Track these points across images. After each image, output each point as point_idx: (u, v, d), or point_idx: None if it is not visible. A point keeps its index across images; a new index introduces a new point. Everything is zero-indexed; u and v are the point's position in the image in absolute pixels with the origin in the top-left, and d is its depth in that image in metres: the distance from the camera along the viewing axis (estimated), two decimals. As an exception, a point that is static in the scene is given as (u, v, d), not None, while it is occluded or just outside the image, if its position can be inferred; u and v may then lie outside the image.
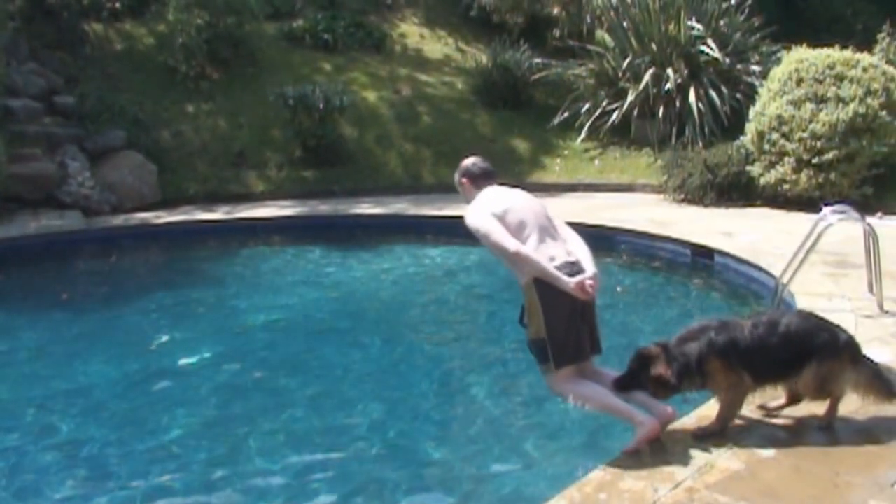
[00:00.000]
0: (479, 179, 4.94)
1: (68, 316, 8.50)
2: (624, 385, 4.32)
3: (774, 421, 4.43)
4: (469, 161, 5.00)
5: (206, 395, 6.21)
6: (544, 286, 4.33)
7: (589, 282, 4.35)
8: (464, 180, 4.94)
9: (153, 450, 5.28)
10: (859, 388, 4.30)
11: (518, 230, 4.48)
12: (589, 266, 4.45)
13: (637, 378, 4.25)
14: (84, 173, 12.62)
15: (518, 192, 4.84)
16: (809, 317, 4.48)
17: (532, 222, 4.53)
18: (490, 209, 4.59)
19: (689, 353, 4.19)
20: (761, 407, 4.50)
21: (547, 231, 4.56)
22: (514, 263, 4.46)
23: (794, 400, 4.45)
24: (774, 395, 4.52)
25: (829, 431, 4.31)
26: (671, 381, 4.15)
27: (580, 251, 4.55)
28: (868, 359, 4.36)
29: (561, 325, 4.33)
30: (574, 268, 4.41)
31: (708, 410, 4.40)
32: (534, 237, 4.48)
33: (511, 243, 4.39)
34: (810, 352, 4.19)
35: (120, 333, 7.90)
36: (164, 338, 7.61)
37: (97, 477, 4.96)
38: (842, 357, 4.23)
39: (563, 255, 4.47)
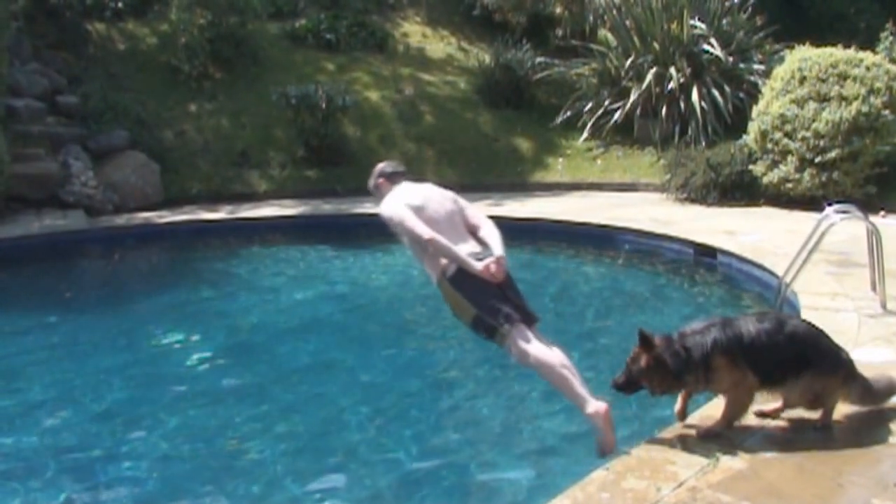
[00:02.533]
0: (394, 177, 5.22)
1: (71, 316, 8.50)
2: (622, 385, 4.29)
3: (777, 421, 4.41)
4: (381, 164, 5.29)
5: (207, 395, 6.20)
6: (456, 272, 4.57)
7: (494, 264, 4.59)
8: (380, 180, 5.18)
9: (154, 450, 5.28)
10: (849, 398, 4.33)
11: (429, 226, 4.72)
12: (497, 248, 4.71)
13: (638, 361, 4.19)
14: (87, 173, 12.63)
15: (430, 187, 5.09)
16: (814, 326, 4.47)
17: (443, 221, 4.77)
18: (405, 200, 4.85)
19: (692, 347, 4.17)
20: (759, 413, 4.46)
21: (456, 230, 4.80)
22: (426, 255, 4.69)
23: (788, 404, 4.43)
24: (768, 401, 4.51)
25: (832, 431, 4.30)
26: (670, 367, 4.11)
27: (490, 235, 4.80)
28: (860, 374, 4.36)
29: (485, 295, 4.53)
30: (480, 256, 4.66)
31: (712, 410, 4.40)
32: (444, 233, 4.70)
33: (425, 230, 4.64)
34: (812, 359, 4.19)
35: (122, 333, 7.90)
36: (166, 337, 7.61)
37: (97, 477, 4.96)
38: (838, 374, 4.24)
39: (469, 249, 4.69)
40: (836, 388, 4.24)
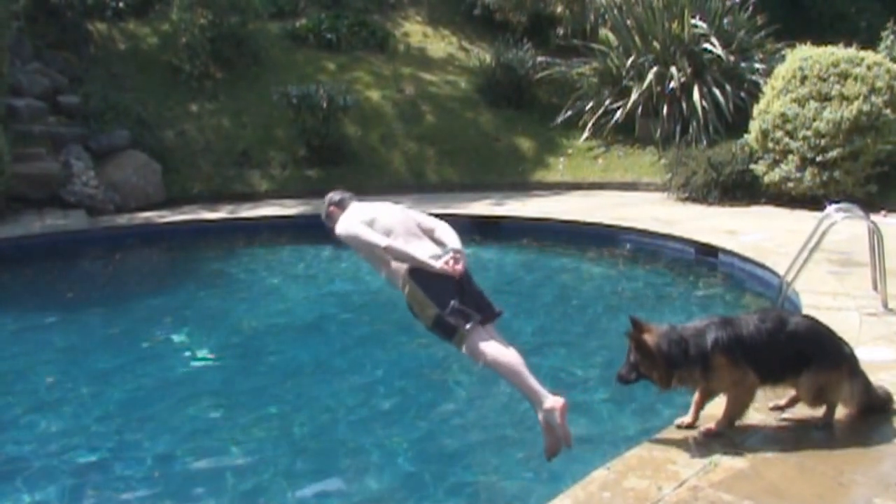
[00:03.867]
0: (342, 203, 5.29)
1: (73, 316, 8.50)
2: (624, 375, 4.29)
3: (778, 421, 4.41)
4: (329, 194, 5.38)
5: (208, 396, 6.21)
6: (417, 274, 4.63)
7: (452, 259, 4.67)
8: (331, 209, 5.25)
9: (156, 450, 5.29)
10: (850, 398, 4.30)
11: (385, 235, 4.81)
12: (454, 244, 4.79)
13: (635, 349, 4.18)
14: (88, 173, 12.64)
15: (380, 203, 5.18)
16: (817, 322, 4.46)
17: (398, 229, 4.85)
18: (358, 218, 4.94)
19: (690, 339, 4.17)
20: (774, 407, 4.45)
21: (412, 234, 4.86)
22: (384, 265, 4.80)
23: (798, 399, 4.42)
24: (773, 397, 4.51)
25: (834, 430, 4.30)
26: (666, 353, 4.09)
27: (445, 234, 4.88)
28: (862, 371, 4.35)
29: (445, 295, 4.59)
30: (439, 255, 4.72)
31: (713, 410, 4.39)
32: (400, 240, 4.79)
33: (381, 239, 4.73)
34: (814, 356, 4.18)
35: (124, 333, 7.90)
36: (168, 337, 7.62)
37: (96, 478, 4.97)
38: (842, 368, 4.23)
39: (428, 251, 4.74)
40: (839, 382, 4.22)
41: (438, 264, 4.62)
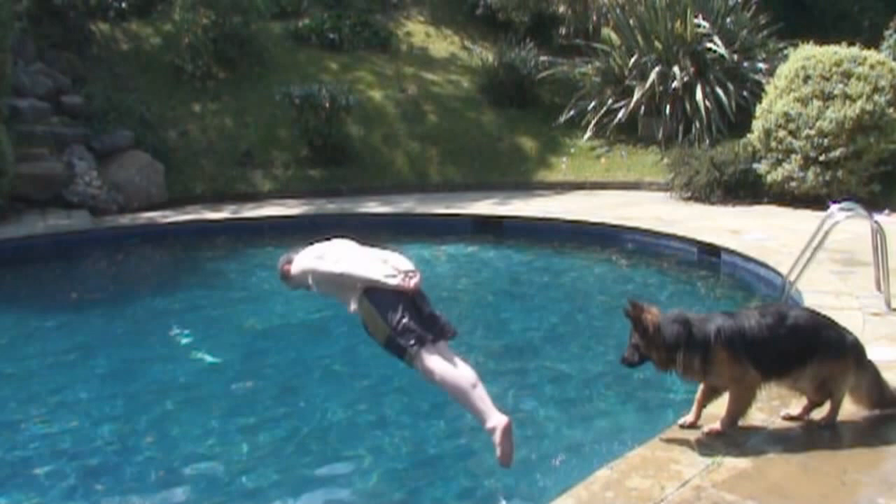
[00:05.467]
0: (292, 259, 5.34)
1: (76, 316, 8.51)
2: (627, 357, 4.29)
3: (781, 420, 4.41)
4: (280, 259, 5.40)
5: (211, 395, 6.22)
6: (372, 293, 4.70)
7: (405, 276, 4.73)
8: (286, 267, 5.29)
9: (157, 450, 5.29)
10: (857, 391, 4.29)
11: (337, 263, 4.90)
12: (407, 265, 4.86)
13: (636, 329, 4.18)
14: (91, 173, 12.66)
15: (332, 241, 5.24)
16: (817, 314, 4.46)
17: (349, 255, 4.94)
18: (310, 255, 5.07)
19: (695, 321, 4.16)
20: (786, 417, 4.43)
21: (365, 258, 4.93)
22: (342, 290, 4.85)
23: (815, 404, 4.37)
24: (776, 396, 4.51)
25: (837, 430, 4.29)
26: (666, 334, 4.08)
27: (398, 260, 4.92)
28: (871, 362, 4.34)
29: (399, 314, 4.63)
30: (392, 274, 4.76)
31: (716, 410, 4.39)
32: (354, 263, 4.86)
33: (336, 266, 4.84)
34: (815, 348, 4.17)
35: (126, 334, 7.91)
36: (171, 337, 7.62)
37: (99, 477, 4.97)
38: (847, 358, 4.21)
39: (382, 271, 4.78)
40: (843, 372, 4.20)
41: (393, 281, 4.70)
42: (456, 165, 14.65)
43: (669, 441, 4.21)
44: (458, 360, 4.67)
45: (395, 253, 5.02)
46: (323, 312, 8.42)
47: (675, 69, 13.94)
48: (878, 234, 6.64)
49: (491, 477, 4.65)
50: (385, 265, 4.80)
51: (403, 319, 4.62)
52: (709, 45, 14.08)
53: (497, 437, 4.36)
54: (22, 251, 10.77)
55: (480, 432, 4.62)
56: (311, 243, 5.21)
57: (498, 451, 4.37)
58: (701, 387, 4.34)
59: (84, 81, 14.71)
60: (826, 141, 11.07)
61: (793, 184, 11.37)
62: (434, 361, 4.58)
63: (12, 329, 8.04)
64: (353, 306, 4.80)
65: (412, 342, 4.59)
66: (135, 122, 13.96)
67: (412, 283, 4.72)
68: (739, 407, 4.23)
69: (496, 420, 4.39)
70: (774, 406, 4.54)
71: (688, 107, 13.88)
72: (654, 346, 4.16)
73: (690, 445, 4.13)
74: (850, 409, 4.38)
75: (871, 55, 11.67)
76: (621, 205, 12.11)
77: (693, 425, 4.33)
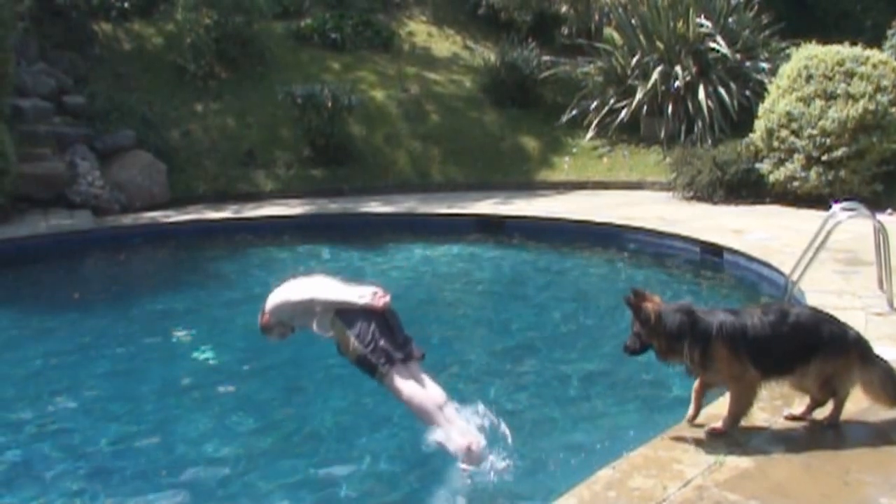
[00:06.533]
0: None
1: (78, 316, 8.51)
2: (629, 345, 4.29)
3: (784, 420, 4.40)
4: (259, 313, 5.46)
5: (213, 396, 6.22)
6: (344, 314, 4.84)
7: (373, 295, 4.86)
8: (265, 318, 5.34)
9: (159, 451, 5.30)
10: (871, 387, 4.24)
11: (307, 291, 5.07)
12: (375, 287, 5.01)
13: (638, 309, 4.17)
14: (94, 173, 12.67)
15: (300, 278, 5.34)
16: (819, 312, 4.45)
17: (317, 285, 5.08)
18: (279, 292, 5.19)
19: (699, 312, 4.16)
20: (789, 417, 4.42)
21: (333, 284, 5.08)
22: (314, 318, 4.97)
23: (817, 403, 4.36)
24: (779, 396, 4.50)
25: (840, 430, 4.29)
26: (668, 323, 4.09)
27: (364, 286, 5.05)
28: (880, 358, 4.32)
29: (369, 334, 4.77)
30: (362, 294, 4.89)
31: (717, 409, 4.39)
32: (321, 289, 5.03)
33: (304, 294, 5.00)
34: (817, 345, 4.16)
35: (129, 333, 7.91)
36: (174, 337, 7.63)
37: (102, 478, 4.97)
38: (850, 354, 4.19)
39: (350, 293, 4.93)
40: (847, 369, 4.18)
41: (363, 301, 4.83)
42: (458, 165, 14.65)
43: (672, 441, 4.21)
44: (427, 380, 4.78)
45: (362, 285, 5.13)
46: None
47: (678, 69, 13.93)
48: (881, 233, 6.64)
49: (492, 477, 4.65)
50: (353, 288, 4.94)
51: (375, 338, 4.75)
52: (711, 44, 14.07)
53: (462, 457, 4.52)
54: (24, 251, 10.77)
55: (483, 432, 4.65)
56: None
57: (462, 466, 4.54)
58: (698, 379, 4.34)
59: (86, 81, 14.73)
60: (828, 140, 11.06)
61: (795, 183, 11.36)
62: (402, 381, 4.71)
63: (14, 329, 8.04)
64: (329, 331, 4.92)
65: (382, 361, 4.71)
66: (137, 121, 13.98)
67: (381, 301, 4.84)
68: (740, 406, 4.23)
69: (462, 441, 4.53)
70: (777, 406, 4.54)
71: (690, 106, 13.88)
72: (656, 333, 4.16)
73: (693, 445, 4.13)
74: (853, 409, 4.37)
75: (874, 54, 11.66)
76: (623, 204, 12.10)
77: (693, 419, 4.35)
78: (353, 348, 4.78)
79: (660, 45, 14.32)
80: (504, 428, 4.75)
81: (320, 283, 5.09)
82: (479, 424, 4.74)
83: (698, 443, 4.15)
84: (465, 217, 11.97)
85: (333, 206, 13.04)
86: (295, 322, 5.16)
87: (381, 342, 4.74)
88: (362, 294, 4.85)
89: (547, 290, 9.17)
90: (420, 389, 4.71)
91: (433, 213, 12.26)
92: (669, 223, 10.49)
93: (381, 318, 4.84)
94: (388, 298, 4.88)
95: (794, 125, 11.36)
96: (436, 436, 4.62)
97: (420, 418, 4.75)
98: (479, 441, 4.59)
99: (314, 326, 5.01)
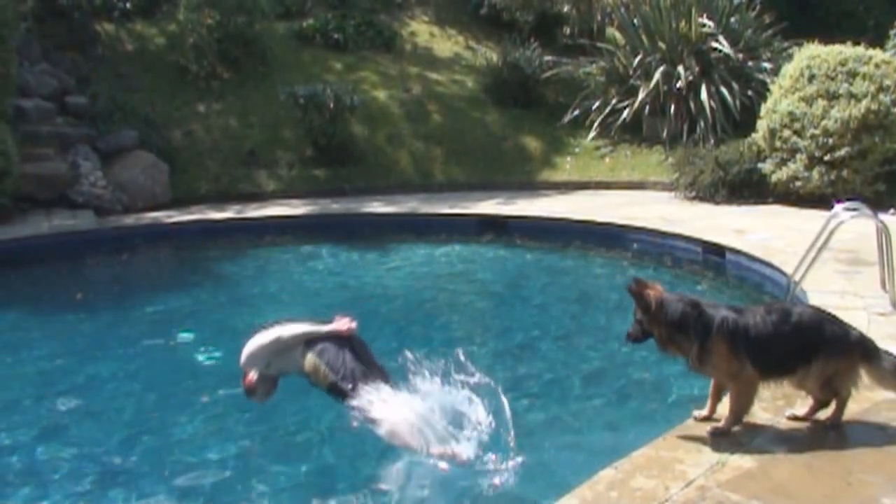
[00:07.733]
0: None
1: (81, 316, 8.52)
2: (631, 333, 4.30)
3: (786, 420, 4.40)
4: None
5: (215, 395, 6.21)
6: (313, 344, 4.96)
7: (338, 321, 5.05)
8: (246, 380, 5.29)
9: (160, 451, 5.30)
10: (886, 381, 4.21)
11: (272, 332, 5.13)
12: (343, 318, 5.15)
13: (639, 297, 4.18)
14: (96, 173, 12.68)
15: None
16: (822, 312, 4.44)
17: (280, 327, 5.13)
18: (248, 344, 5.18)
19: (703, 304, 4.15)
20: (791, 417, 4.41)
21: (300, 322, 5.17)
22: (283, 356, 5.05)
23: (820, 404, 4.35)
24: (781, 396, 4.50)
25: (842, 430, 4.28)
26: (670, 312, 4.09)
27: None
28: (887, 352, 4.29)
29: (338, 361, 4.88)
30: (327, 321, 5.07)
31: (719, 409, 4.38)
32: (287, 327, 5.12)
33: (272, 334, 5.06)
34: (819, 345, 4.15)
35: (131, 333, 7.91)
36: (176, 337, 7.62)
37: (104, 479, 4.98)
38: (852, 355, 4.18)
39: (319, 325, 5.09)
40: (850, 368, 4.17)
41: (327, 327, 5.00)
42: (460, 165, 14.65)
43: (674, 440, 4.21)
44: (398, 404, 4.77)
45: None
46: (329, 311, 8.41)
47: (680, 69, 13.92)
48: (883, 233, 6.63)
49: (493, 477, 4.65)
50: (318, 322, 5.06)
51: (345, 365, 4.83)
52: (713, 44, 14.06)
53: (443, 464, 4.58)
54: (27, 251, 10.79)
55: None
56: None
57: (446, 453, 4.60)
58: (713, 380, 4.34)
59: (89, 81, 14.73)
60: (831, 140, 11.04)
61: (798, 183, 11.34)
62: (374, 406, 4.73)
63: (16, 329, 8.05)
64: (303, 366, 4.96)
65: (351, 387, 4.77)
66: (139, 122, 14.00)
67: (346, 326, 5.00)
68: (740, 405, 4.23)
69: (441, 449, 4.58)
70: (779, 406, 4.53)
71: (692, 106, 13.87)
72: (657, 321, 4.16)
73: (695, 445, 4.13)
74: (855, 409, 4.37)
75: (876, 54, 11.63)
76: (626, 204, 12.09)
77: (708, 419, 4.35)
78: (324, 376, 4.86)
79: (662, 44, 14.31)
80: (506, 427, 4.74)
81: (286, 324, 5.16)
82: (480, 424, 4.72)
83: (700, 443, 4.15)
84: (468, 217, 11.97)
85: (336, 206, 13.04)
86: (272, 369, 5.16)
87: (352, 368, 4.82)
88: (326, 322, 5.00)
89: (549, 290, 9.17)
90: (391, 414, 4.71)
91: (435, 213, 12.26)
92: (672, 223, 10.48)
93: (350, 345, 4.95)
94: (354, 325, 5.02)
95: (797, 125, 11.35)
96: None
97: (391, 441, 4.77)
98: (453, 451, 4.62)
99: (291, 368, 5.08)
